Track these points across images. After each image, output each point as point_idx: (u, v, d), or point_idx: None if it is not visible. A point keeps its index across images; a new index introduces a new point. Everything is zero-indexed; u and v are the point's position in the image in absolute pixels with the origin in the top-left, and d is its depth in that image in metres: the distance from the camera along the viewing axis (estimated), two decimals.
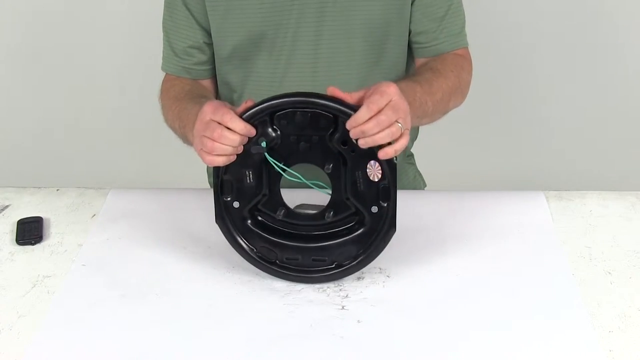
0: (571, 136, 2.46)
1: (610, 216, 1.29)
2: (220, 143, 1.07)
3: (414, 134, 1.54)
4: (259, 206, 1.16)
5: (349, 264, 1.13)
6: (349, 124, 1.03)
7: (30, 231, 1.29)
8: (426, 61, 1.36)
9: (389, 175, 1.07)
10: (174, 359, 1.03)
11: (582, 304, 1.09)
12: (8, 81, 2.50)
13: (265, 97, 1.11)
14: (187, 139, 1.25)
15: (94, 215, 1.35)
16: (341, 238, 1.13)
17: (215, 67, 1.41)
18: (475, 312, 1.09)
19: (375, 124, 1.02)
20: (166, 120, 1.35)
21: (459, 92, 1.33)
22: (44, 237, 1.29)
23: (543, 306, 1.09)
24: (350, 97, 1.06)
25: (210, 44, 1.38)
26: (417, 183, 1.58)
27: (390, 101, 1.03)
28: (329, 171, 1.10)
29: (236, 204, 1.15)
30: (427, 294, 1.12)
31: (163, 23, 1.40)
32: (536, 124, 2.47)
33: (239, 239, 1.17)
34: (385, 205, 1.10)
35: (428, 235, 1.24)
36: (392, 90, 1.04)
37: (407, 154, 1.57)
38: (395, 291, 1.13)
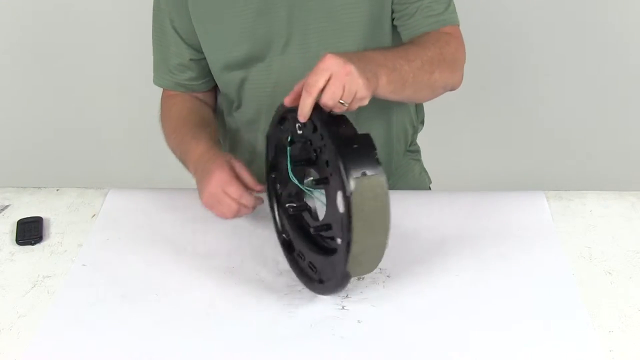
0: (571, 136, 2.47)
1: (610, 216, 1.29)
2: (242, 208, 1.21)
3: (415, 123, 1.52)
4: (293, 194, 1.16)
5: (325, 283, 1.09)
6: (300, 118, 1.03)
7: (30, 231, 1.29)
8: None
9: (345, 211, 0.99)
10: (173, 359, 1.03)
11: (582, 304, 1.09)
12: (8, 81, 2.50)
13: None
14: (187, 169, 1.32)
15: (94, 215, 1.35)
16: (324, 255, 1.10)
17: (209, 79, 1.42)
18: (475, 312, 1.09)
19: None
20: (167, 144, 1.39)
21: (445, 65, 1.25)
22: (44, 237, 1.29)
23: (543, 306, 1.09)
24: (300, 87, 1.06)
25: (199, 60, 1.39)
26: (423, 179, 1.57)
27: (330, 76, 1.02)
28: (314, 185, 1.06)
29: (278, 186, 1.19)
30: (427, 294, 1.12)
31: (153, 37, 1.40)
32: (537, 123, 2.47)
33: (277, 217, 1.20)
34: (340, 242, 1.03)
35: (428, 235, 1.24)
36: (327, 64, 1.03)
37: (414, 150, 1.56)
38: (395, 291, 1.13)
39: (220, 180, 1.20)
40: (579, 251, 1.21)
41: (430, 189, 1.58)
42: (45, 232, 1.30)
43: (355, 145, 0.99)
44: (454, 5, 1.33)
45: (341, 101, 1.03)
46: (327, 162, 1.03)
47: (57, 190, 1.43)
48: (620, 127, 2.44)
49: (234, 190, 1.19)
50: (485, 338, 1.04)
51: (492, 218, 1.28)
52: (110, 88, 2.51)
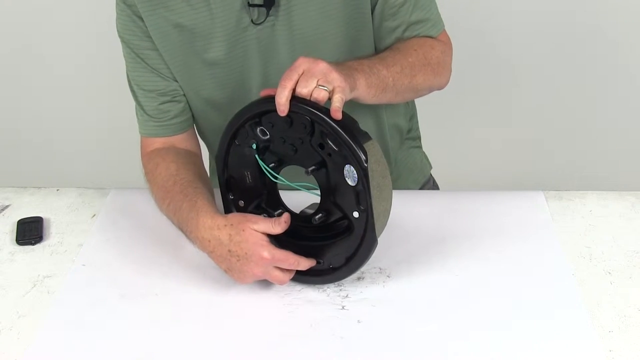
0: (571, 136, 2.47)
1: (610, 216, 1.29)
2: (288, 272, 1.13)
3: (406, 116, 1.51)
4: (263, 205, 1.17)
5: (341, 267, 1.12)
6: (279, 112, 1.04)
7: (30, 231, 1.29)
8: None
9: (362, 179, 1.03)
10: (173, 359, 1.03)
11: (582, 304, 1.09)
12: (7, 81, 2.50)
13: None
14: (189, 239, 1.20)
15: (94, 215, 1.35)
16: (334, 240, 1.12)
17: (190, 116, 1.36)
18: (475, 312, 1.09)
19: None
20: (159, 207, 1.29)
21: (429, 69, 1.26)
22: (44, 237, 1.29)
23: (543, 306, 1.09)
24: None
25: (181, 96, 1.33)
26: (424, 165, 1.57)
27: (302, 72, 1.05)
28: (310, 174, 1.08)
29: (241, 203, 1.18)
30: (427, 294, 1.12)
31: (129, 83, 1.34)
32: (536, 123, 2.47)
33: None
34: (363, 209, 1.06)
35: (428, 235, 1.24)
36: (300, 61, 1.06)
37: (414, 137, 1.55)
38: (395, 291, 1.13)
39: (271, 260, 1.09)
40: (579, 251, 1.21)
41: (431, 175, 1.58)
42: (45, 232, 1.30)
43: (342, 119, 1.03)
44: (437, 10, 1.32)
45: (321, 85, 1.05)
46: (320, 145, 1.06)
47: (57, 190, 1.43)
48: (620, 127, 2.44)
49: (290, 264, 1.11)
50: (485, 338, 1.04)
51: (491, 218, 1.28)
52: (110, 87, 2.50)
